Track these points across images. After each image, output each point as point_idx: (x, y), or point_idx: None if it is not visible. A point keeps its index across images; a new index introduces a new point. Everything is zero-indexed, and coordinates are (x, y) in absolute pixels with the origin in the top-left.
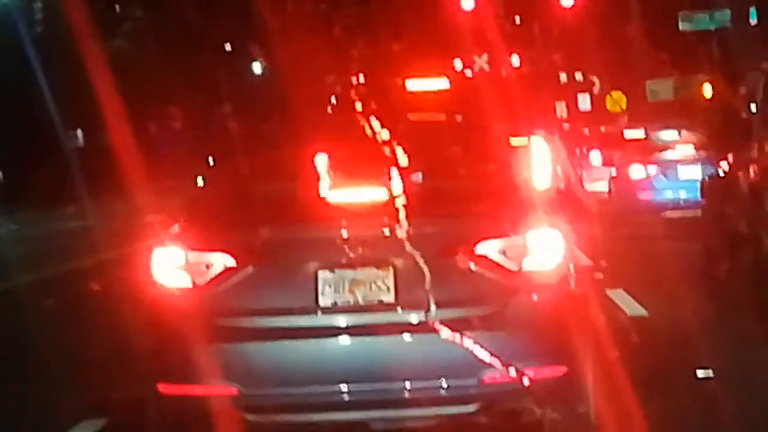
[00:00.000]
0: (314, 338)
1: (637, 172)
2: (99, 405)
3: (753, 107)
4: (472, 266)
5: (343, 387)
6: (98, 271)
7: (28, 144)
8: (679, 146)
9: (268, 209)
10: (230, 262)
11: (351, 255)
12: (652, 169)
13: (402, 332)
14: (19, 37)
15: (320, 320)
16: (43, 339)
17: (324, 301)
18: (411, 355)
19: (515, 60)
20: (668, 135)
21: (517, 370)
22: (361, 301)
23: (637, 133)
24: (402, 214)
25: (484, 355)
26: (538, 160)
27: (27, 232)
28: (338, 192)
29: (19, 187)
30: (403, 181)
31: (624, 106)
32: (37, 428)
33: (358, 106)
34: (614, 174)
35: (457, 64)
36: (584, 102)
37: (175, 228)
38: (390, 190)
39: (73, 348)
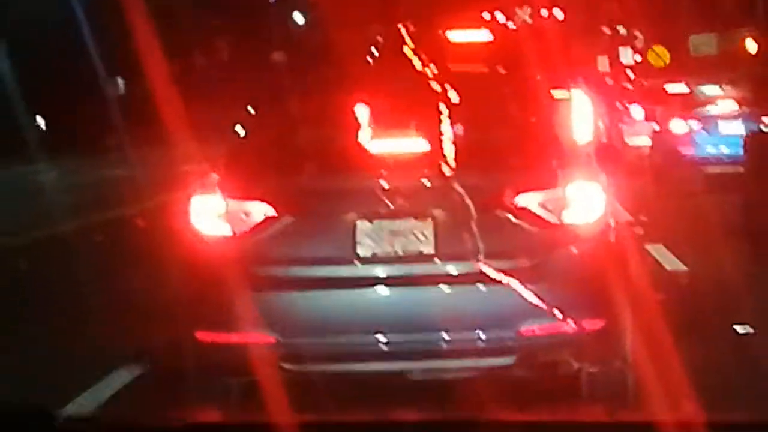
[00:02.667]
0: (352, 288)
1: (678, 127)
2: (137, 351)
3: None
4: (512, 218)
5: (381, 337)
6: (139, 218)
7: (69, 92)
8: (722, 101)
9: (308, 159)
10: (269, 211)
11: (390, 206)
12: (694, 124)
13: (441, 283)
14: None
15: (359, 270)
16: (86, 284)
17: (363, 251)
18: (449, 307)
19: (558, 13)
20: (711, 90)
21: (555, 323)
22: (400, 252)
23: (679, 88)
24: (442, 166)
25: (522, 308)
26: (580, 114)
27: (69, 180)
28: (378, 142)
29: (60, 135)
30: (444, 133)
31: (667, 61)
32: (76, 373)
33: (399, 56)
34: (656, 129)
35: (500, 15)
36: (626, 56)
37: (215, 176)
38: (430, 141)
39: (115, 294)
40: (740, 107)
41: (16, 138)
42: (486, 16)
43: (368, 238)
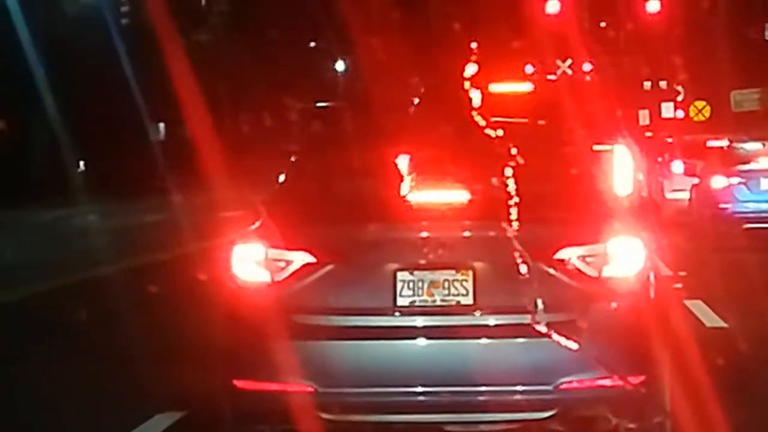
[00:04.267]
0: (391, 339)
1: (719, 182)
2: (176, 398)
3: None
4: (553, 272)
5: (418, 389)
6: (177, 265)
7: (109, 136)
8: (763, 158)
9: (348, 208)
10: (310, 259)
11: (431, 256)
12: (735, 180)
13: (479, 336)
14: (105, 28)
15: (398, 321)
16: (125, 329)
17: (402, 301)
18: (488, 359)
19: (599, 66)
20: (752, 146)
21: (594, 378)
22: (439, 303)
23: (720, 143)
24: (483, 218)
25: (561, 362)
26: (621, 167)
27: (105, 224)
28: (419, 193)
29: (99, 179)
30: (485, 184)
31: (708, 116)
32: (116, 417)
33: (441, 107)
34: (696, 183)
35: (541, 68)
36: (668, 110)
37: (256, 224)
38: (472, 193)
39: (154, 339)
40: None
41: (59, 181)
42: (527, 68)
43: (408, 288)
